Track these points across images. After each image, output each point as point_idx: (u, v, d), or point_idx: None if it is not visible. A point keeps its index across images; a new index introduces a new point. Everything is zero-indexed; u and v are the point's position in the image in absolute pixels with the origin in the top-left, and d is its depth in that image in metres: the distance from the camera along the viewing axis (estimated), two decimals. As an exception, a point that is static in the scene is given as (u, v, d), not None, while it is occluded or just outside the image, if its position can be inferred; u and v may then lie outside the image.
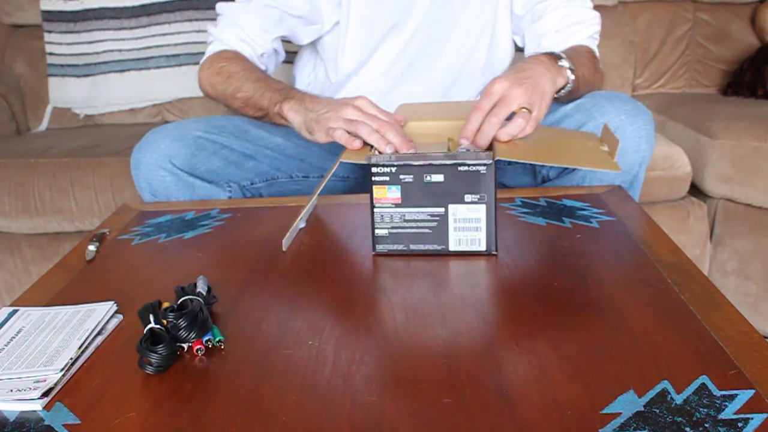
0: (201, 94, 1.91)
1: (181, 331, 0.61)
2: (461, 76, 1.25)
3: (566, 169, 1.06)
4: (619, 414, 0.50)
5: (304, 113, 1.01)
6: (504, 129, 0.88)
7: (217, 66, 1.17)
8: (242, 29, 1.19)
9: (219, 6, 1.23)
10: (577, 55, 1.10)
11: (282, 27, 1.20)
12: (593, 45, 1.18)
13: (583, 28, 1.16)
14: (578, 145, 0.94)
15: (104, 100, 1.95)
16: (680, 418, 0.49)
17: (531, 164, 1.12)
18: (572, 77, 1.01)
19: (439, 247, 0.79)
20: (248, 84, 1.12)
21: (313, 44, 1.29)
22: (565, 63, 1.00)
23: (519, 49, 1.28)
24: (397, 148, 0.90)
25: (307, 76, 1.34)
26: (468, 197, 0.77)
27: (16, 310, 0.71)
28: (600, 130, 0.98)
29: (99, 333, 0.66)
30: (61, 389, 0.58)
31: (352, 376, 0.56)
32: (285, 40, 1.27)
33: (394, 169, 0.77)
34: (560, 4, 1.17)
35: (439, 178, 0.76)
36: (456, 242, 0.79)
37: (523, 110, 0.89)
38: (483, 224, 0.78)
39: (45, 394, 0.56)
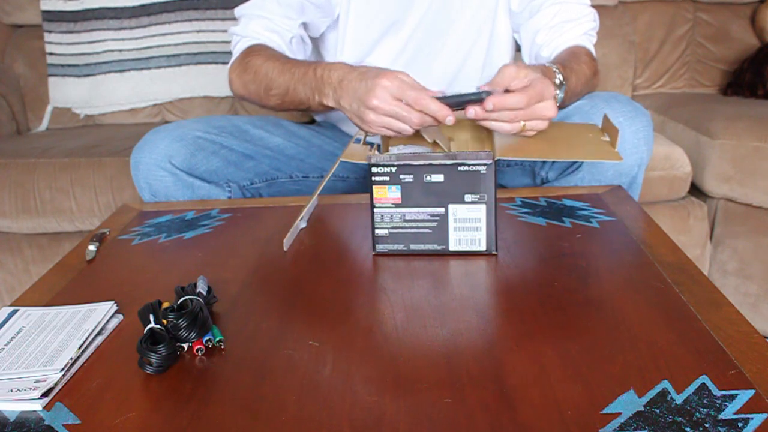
0: (201, 94, 1.93)
1: (181, 331, 0.61)
2: (460, 73, 1.25)
3: (565, 170, 1.06)
4: (619, 414, 0.50)
5: (341, 107, 0.98)
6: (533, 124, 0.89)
7: (244, 63, 1.14)
8: (268, 19, 1.17)
9: (237, 10, 1.21)
10: (570, 62, 1.08)
11: (304, 15, 1.19)
12: (589, 42, 1.17)
13: (576, 25, 1.15)
14: (579, 138, 0.94)
15: (104, 100, 1.95)
16: (680, 418, 0.49)
17: (530, 166, 1.12)
18: (560, 96, 1.01)
19: (439, 247, 0.79)
20: (276, 76, 1.08)
21: (315, 43, 1.29)
22: (557, 79, 1.00)
23: (520, 48, 1.28)
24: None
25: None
26: (468, 197, 0.77)
27: (16, 310, 0.71)
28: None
29: (99, 333, 0.66)
30: (61, 389, 0.58)
31: (352, 376, 0.56)
32: None
33: (394, 169, 0.77)
34: (556, 0, 1.16)
35: (439, 178, 0.76)
36: (456, 242, 0.79)
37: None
38: (483, 224, 0.78)
39: (45, 394, 0.56)
